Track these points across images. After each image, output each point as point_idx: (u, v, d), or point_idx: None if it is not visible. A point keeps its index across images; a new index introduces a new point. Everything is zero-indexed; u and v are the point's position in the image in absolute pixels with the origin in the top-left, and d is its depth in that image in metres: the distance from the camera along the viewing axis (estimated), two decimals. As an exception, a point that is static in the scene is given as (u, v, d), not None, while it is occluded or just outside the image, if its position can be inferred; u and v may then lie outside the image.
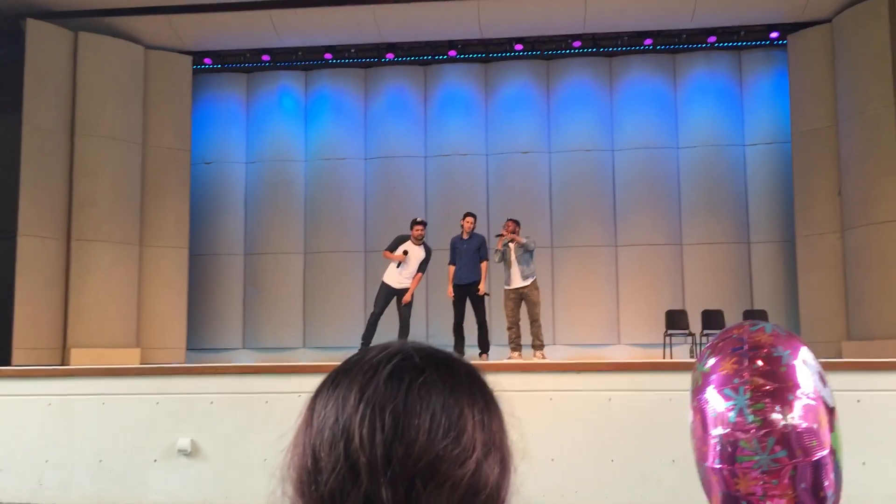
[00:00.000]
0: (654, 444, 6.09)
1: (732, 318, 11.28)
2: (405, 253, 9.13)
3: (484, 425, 0.68)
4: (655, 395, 6.18)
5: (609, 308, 12.80)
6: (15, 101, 10.76)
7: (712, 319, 11.27)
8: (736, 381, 1.53)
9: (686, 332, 11.39)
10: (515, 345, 9.07)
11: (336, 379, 0.70)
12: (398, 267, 9.16)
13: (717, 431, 1.53)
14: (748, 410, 1.48)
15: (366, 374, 0.67)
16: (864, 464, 5.52)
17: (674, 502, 5.93)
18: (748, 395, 1.50)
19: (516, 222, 9.29)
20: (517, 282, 9.05)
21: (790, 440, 1.45)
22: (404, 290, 9.18)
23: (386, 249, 9.36)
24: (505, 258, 9.11)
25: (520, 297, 9.07)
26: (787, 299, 12.24)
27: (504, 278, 9.23)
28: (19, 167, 10.76)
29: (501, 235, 9.19)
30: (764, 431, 1.46)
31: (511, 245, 9.11)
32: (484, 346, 9.19)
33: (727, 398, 1.52)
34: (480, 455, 0.66)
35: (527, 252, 9.07)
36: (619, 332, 12.78)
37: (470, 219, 9.39)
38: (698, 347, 11.21)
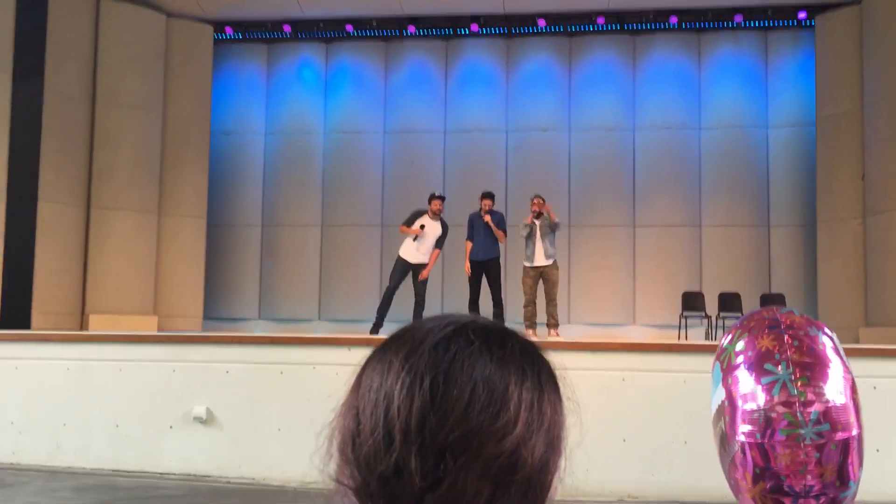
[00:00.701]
0: (667, 424, 6.08)
1: (749, 301, 11.21)
2: (422, 227, 9.11)
3: (532, 404, 0.66)
4: (669, 376, 6.17)
5: (625, 288, 12.76)
6: (37, 68, 10.79)
7: (729, 302, 11.21)
8: (777, 356, 1.53)
9: (702, 314, 11.34)
10: (531, 322, 9.07)
11: (387, 345, 0.69)
12: (415, 241, 9.15)
13: (753, 405, 1.52)
14: (792, 384, 1.49)
15: (415, 341, 0.67)
16: (878, 450, 5.49)
17: (685, 483, 5.94)
18: (791, 370, 1.51)
19: (542, 199, 9.25)
20: (540, 260, 9.02)
21: (830, 415, 1.46)
22: (420, 265, 9.17)
23: (403, 224, 9.35)
24: (531, 233, 9.08)
25: (539, 275, 9.06)
26: (806, 284, 12.15)
27: (526, 255, 9.20)
28: (41, 134, 10.81)
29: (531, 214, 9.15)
30: (808, 406, 1.47)
31: (538, 221, 9.07)
32: (502, 322, 9.18)
33: (768, 373, 1.52)
34: (522, 434, 0.64)
35: (552, 231, 9.06)
36: (635, 312, 12.75)
37: (487, 202, 9.32)
38: (714, 330, 11.16)
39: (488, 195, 9.38)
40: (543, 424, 0.66)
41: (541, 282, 9.11)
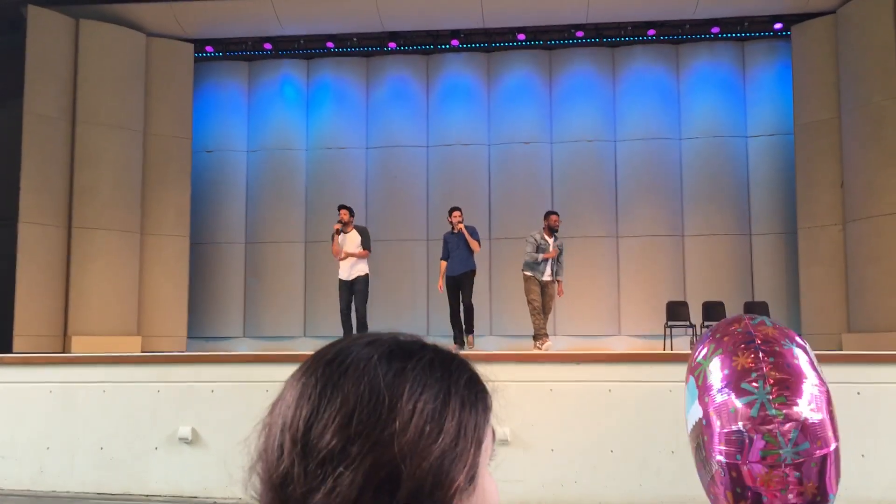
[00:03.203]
0: (654, 434, 6.09)
1: (733, 309, 11.28)
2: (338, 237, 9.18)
3: (431, 416, 0.64)
4: (655, 386, 6.18)
5: (610, 299, 12.80)
6: (16, 89, 10.74)
7: (713, 311, 11.27)
8: (754, 374, 1.50)
9: (687, 323, 11.40)
10: (545, 332, 9.21)
11: (302, 364, 0.72)
12: (343, 260, 9.21)
13: (734, 427, 1.50)
14: (770, 405, 1.46)
15: (317, 356, 0.70)
16: (863, 455, 5.52)
17: (673, 493, 5.94)
18: (768, 389, 1.48)
19: (559, 215, 9.54)
20: (549, 275, 9.24)
21: (809, 432, 1.44)
22: (356, 280, 9.14)
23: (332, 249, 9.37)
24: (546, 249, 9.19)
25: (542, 288, 9.20)
26: (788, 291, 12.24)
27: (539, 268, 9.24)
28: (20, 155, 10.75)
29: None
30: (787, 425, 1.44)
31: (550, 239, 9.20)
32: (469, 328, 9.26)
33: (745, 393, 1.49)
34: (412, 445, 0.62)
35: (561, 251, 9.37)
36: (620, 322, 12.79)
37: (457, 213, 9.40)
38: (699, 339, 11.21)
39: (456, 208, 9.48)
40: (443, 437, 0.64)
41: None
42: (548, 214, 9.50)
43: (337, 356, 0.68)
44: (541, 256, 9.16)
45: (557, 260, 9.31)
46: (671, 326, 11.39)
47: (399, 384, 0.65)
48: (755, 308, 11.16)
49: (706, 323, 11.18)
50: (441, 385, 0.66)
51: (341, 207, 9.31)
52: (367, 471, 0.61)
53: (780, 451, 1.45)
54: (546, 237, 9.29)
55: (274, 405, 0.70)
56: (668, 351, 10.52)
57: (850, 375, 5.83)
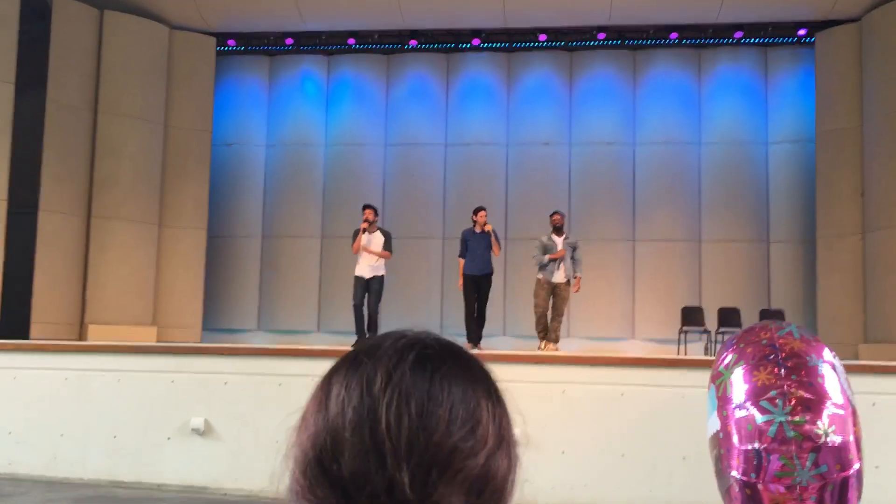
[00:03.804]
0: (666, 439, 6.07)
1: (749, 316, 11.21)
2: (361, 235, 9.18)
3: (495, 419, 0.68)
4: (668, 391, 6.16)
5: (625, 302, 12.76)
6: (40, 78, 10.83)
7: (728, 317, 11.20)
8: (773, 392, 1.47)
9: (701, 328, 11.33)
10: (544, 333, 9.21)
11: (357, 360, 0.69)
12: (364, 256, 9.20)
13: (750, 445, 1.47)
14: (789, 426, 1.43)
15: (391, 358, 0.67)
16: (877, 467, 5.47)
17: (684, 499, 5.91)
18: (788, 409, 1.45)
19: (563, 216, 9.45)
20: (559, 277, 9.18)
21: (830, 456, 1.41)
22: (373, 279, 9.14)
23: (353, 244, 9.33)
24: (553, 250, 9.17)
25: (552, 290, 9.18)
26: (805, 300, 12.14)
27: (546, 269, 9.23)
28: (42, 144, 10.84)
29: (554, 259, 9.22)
30: (804, 447, 1.41)
31: (558, 239, 9.16)
32: (478, 337, 9.24)
33: (764, 411, 1.46)
34: (492, 448, 0.66)
35: (573, 250, 9.26)
36: (634, 326, 12.74)
37: (483, 213, 9.36)
38: (713, 345, 11.15)
39: (482, 208, 9.43)
40: (505, 437, 0.68)
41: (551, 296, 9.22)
42: (551, 215, 9.48)
43: (418, 361, 0.67)
44: (546, 258, 9.14)
45: (572, 258, 9.22)
46: (686, 332, 11.33)
47: (475, 392, 0.68)
48: (771, 316, 11.08)
49: (721, 329, 11.11)
50: (493, 388, 0.71)
51: (367, 207, 9.28)
52: (466, 476, 0.64)
53: (796, 475, 1.42)
54: (553, 237, 9.25)
55: (325, 400, 0.68)
56: (682, 356, 10.47)
57: (865, 386, 5.79)
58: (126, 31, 11.72)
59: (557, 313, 9.21)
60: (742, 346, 1.59)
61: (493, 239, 9.17)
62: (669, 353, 11.42)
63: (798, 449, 1.41)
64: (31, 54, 10.69)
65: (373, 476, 0.62)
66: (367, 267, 9.13)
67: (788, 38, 12.65)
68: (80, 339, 10.87)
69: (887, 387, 5.96)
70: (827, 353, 1.54)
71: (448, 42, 13.27)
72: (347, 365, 0.69)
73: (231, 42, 13.40)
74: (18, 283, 10.51)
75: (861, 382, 5.80)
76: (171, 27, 12.37)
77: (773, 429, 1.43)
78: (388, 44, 13.41)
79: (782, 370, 1.48)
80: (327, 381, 0.70)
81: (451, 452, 0.64)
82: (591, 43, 13.07)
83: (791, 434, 1.42)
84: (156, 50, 12.10)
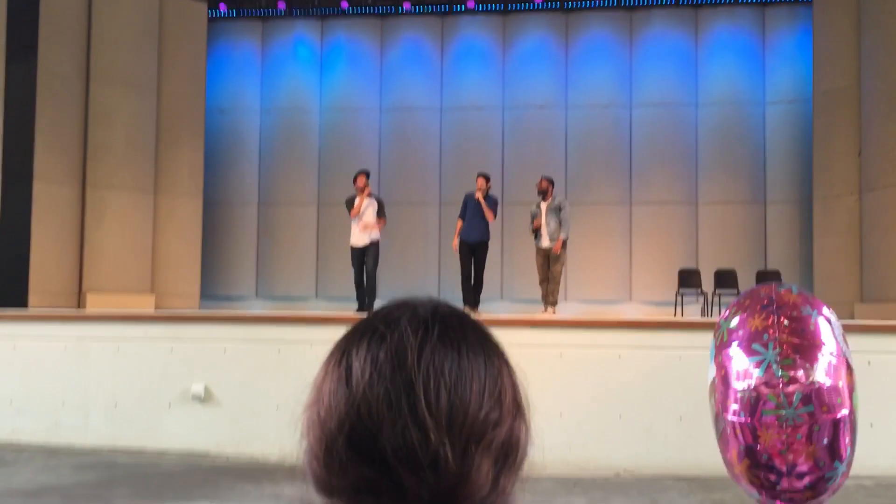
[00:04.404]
0: (662, 401, 6.12)
1: (745, 277, 11.25)
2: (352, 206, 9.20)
3: (513, 386, 0.70)
4: (665, 352, 6.20)
5: (622, 265, 12.79)
6: (30, 47, 10.70)
7: (725, 279, 11.24)
8: (765, 336, 1.53)
9: (698, 290, 11.38)
10: (546, 299, 9.22)
11: (377, 332, 0.68)
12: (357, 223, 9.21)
13: (741, 385, 1.53)
14: (777, 365, 1.48)
15: (416, 330, 0.67)
16: (872, 425, 5.53)
17: (680, 458, 5.99)
18: (777, 350, 1.50)
19: (550, 181, 9.28)
20: (545, 241, 9.17)
21: (815, 397, 1.46)
22: (368, 247, 9.17)
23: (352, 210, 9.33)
24: (538, 215, 9.17)
25: (546, 255, 9.17)
26: (802, 260, 12.18)
27: (537, 236, 9.26)
28: (35, 113, 10.75)
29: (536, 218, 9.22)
30: (791, 387, 1.46)
31: (543, 204, 9.13)
32: (476, 301, 9.28)
33: (755, 353, 1.52)
34: (514, 415, 0.68)
35: (557, 213, 9.12)
36: (631, 289, 12.78)
37: (480, 180, 9.34)
38: (710, 307, 11.20)
39: (484, 175, 9.40)
40: (520, 404, 0.70)
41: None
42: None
43: (441, 338, 0.67)
44: (532, 227, 9.21)
45: (559, 220, 9.12)
46: (682, 294, 11.38)
47: (496, 363, 0.69)
48: (768, 277, 11.13)
49: (718, 290, 11.16)
50: (506, 360, 0.72)
51: (360, 173, 9.29)
52: (496, 447, 0.65)
53: (783, 412, 1.47)
54: (541, 204, 9.25)
55: (345, 374, 0.66)
56: (678, 318, 10.52)
57: (861, 345, 5.82)
58: (116, -3, 11.57)
59: (551, 276, 9.21)
60: (745, 301, 1.65)
61: (483, 206, 9.17)
62: (666, 315, 11.48)
63: (785, 387, 1.46)
64: (21, 23, 10.56)
65: (417, 450, 0.62)
66: (362, 235, 9.14)
67: (786, -4, 12.53)
68: (78, 308, 10.90)
69: (883, 345, 6.00)
70: (825, 310, 1.58)
71: (442, 5, 13.12)
72: (367, 337, 0.68)
73: (222, 7, 13.25)
74: (15, 252, 10.50)
75: (857, 342, 5.82)
76: (162, -8, 12.21)
77: (760, 369, 1.48)
78: (381, 7, 13.26)
79: (774, 317, 1.53)
80: (343, 354, 0.68)
81: (484, 422, 0.65)
82: (587, 4, 12.95)
83: (779, 373, 1.47)
84: (147, 16, 11.95)
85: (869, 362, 5.81)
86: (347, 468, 0.64)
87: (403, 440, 0.62)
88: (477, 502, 0.64)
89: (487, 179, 9.40)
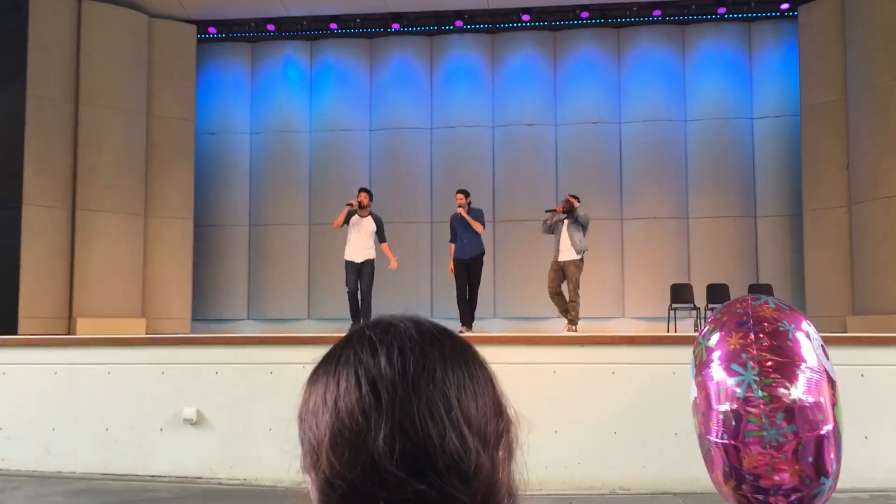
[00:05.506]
0: (657, 416, 6.10)
1: (737, 292, 11.26)
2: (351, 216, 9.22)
3: (503, 397, 0.73)
4: (659, 368, 6.19)
5: (614, 281, 12.79)
6: (19, 70, 10.70)
7: (717, 293, 11.25)
8: (744, 356, 1.52)
9: (690, 305, 11.39)
10: (561, 313, 9.20)
11: (372, 343, 0.69)
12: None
13: (723, 406, 1.52)
14: (757, 385, 1.48)
15: (413, 342, 0.69)
16: (866, 437, 5.53)
17: (676, 474, 5.96)
18: (756, 369, 1.49)
19: (576, 198, 9.29)
20: (563, 255, 9.08)
21: (797, 415, 1.45)
22: (364, 263, 9.16)
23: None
24: (557, 228, 9.14)
25: (561, 269, 9.12)
26: (793, 274, 12.21)
27: (553, 247, 9.24)
28: (24, 137, 10.73)
29: (554, 211, 9.19)
30: (772, 406, 1.45)
31: (567, 219, 9.10)
32: (470, 319, 9.26)
33: (734, 373, 1.51)
34: (508, 421, 0.73)
35: (578, 228, 9.06)
36: (624, 305, 12.78)
37: (459, 196, 9.37)
38: (703, 321, 11.19)
39: (462, 191, 9.45)
40: (506, 411, 0.74)
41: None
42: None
43: (445, 359, 0.70)
44: (543, 228, 9.22)
45: (575, 236, 9.04)
46: (675, 309, 11.39)
47: (486, 380, 0.72)
48: (759, 290, 11.15)
49: (710, 305, 11.17)
50: (491, 373, 0.75)
51: (362, 190, 9.34)
52: (509, 447, 0.71)
53: (765, 433, 1.46)
54: (561, 210, 9.26)
55: (358, 391, 0.67)
56: (671, 333, 10.52)
57: (853, 358, 5.83)
58: (104, 21, 11.59)
59: (572, 291, 9.08)
60: (719, 316, 1.64)
61: (468, 220, 9.19)
62: (659, 330, 11.48)
63: (766, 408, 1.45)
64: (9, 47, 10.57)
65: (463, 460, 0.65)
66: (358, 250, 9.12)
67: (771, 12, 12.66)
68: (68, 333, 10.82)
69: (875, 358, 6.00)
70: (803, 324, 1.58)
71: (431, 25, 13.19)
72: (362, 346, 0.69)
73: (212, 29, 13.28)
74: (5, 278, 10.44)
75: (850, 354, 5.84)
76: (151, 15, 12.23)
77: (741, 389, 1.48)
78: (370, 28, 13.32)
79: (752, 335, 1.53)
80: (335, 363, 0.70)
81: (497, 428, 0.70)
82: (575, 22, 13.03)
83: (759, 394, 1.46)
84: (135, 39, 11.98)
85: (862, 375, 5.81)
86: (395, 484, 0.64)
87: (417, 442, 0.64)
88: (501, 501, 0.68)
89: (467, 195, 9.44)
